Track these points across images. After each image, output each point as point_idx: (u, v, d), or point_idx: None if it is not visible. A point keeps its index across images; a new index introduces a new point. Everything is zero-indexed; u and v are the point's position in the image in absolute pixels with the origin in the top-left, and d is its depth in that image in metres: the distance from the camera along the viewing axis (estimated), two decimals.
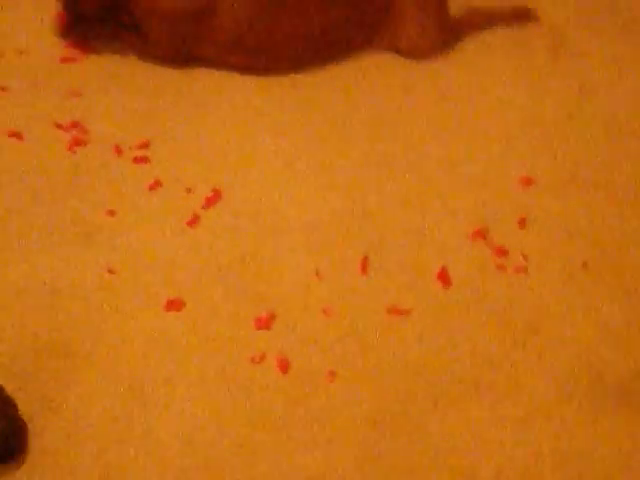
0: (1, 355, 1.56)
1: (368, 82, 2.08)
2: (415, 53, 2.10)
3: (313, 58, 2.06)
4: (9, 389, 1.48)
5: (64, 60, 2.10)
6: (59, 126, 1.97)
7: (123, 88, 2.04)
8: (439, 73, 2.10)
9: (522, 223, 1.81)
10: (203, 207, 1.82)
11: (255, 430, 1.48)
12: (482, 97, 2.07)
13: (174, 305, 1.65)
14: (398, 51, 2.11)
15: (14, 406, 1.45)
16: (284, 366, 1.56)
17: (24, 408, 1.47)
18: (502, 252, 1.75)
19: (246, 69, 2.08)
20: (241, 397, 1.52)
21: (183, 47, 2.04)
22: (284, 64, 2.08)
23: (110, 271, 1.71)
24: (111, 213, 1.81)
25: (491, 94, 2.09)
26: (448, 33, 2.13)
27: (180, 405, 1.51)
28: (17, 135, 1.95)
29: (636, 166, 1.94)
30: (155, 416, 1.49)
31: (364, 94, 2.06)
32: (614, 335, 1.64)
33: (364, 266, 1.72)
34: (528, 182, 1.89)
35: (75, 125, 1.96)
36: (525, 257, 1.75)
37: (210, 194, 1.84)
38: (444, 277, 1.70)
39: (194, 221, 1.79)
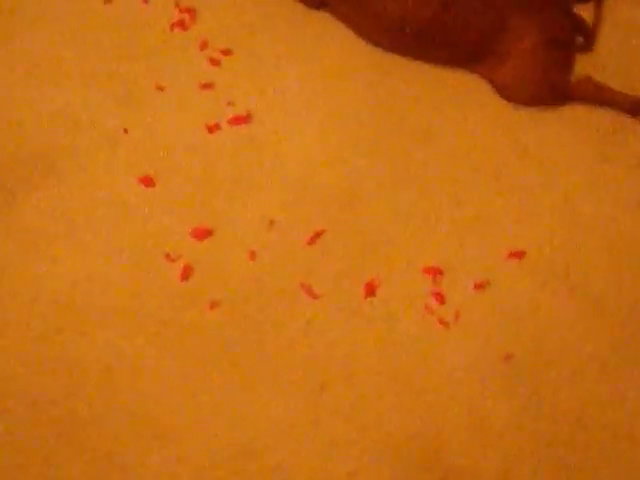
0: None
1: (437, 96, 2.07)
2: (507, 96, 2.04)
3: (405, 51, 2.08)
4: None
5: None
6: (176, 4, 2.17)
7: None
8: (516, 124, 2.04)
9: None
10: (229, 122, 1.95)
11: None
12: (546, 185, 1.98)
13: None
14: (492, 84, 2.06)
15: None
16: None
17: None
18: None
19: (363, 35, 2.13)
20: None
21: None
22: (374, 37, 2.09)
23: (125, 130, 1.92)
24: (158, 87, 2.00)
25: (558, 187, 1.95)
26: (553, 92, 2.05)
27: None
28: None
29: None
30: None
31: (421, 106, 2.06)
32: None
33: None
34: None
35: (189, 11, 2.16)
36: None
37: (243, 114, 1.97)
38: None
39: (213, 128, 1.94)
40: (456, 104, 2.01)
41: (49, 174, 1.85)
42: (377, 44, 2.10)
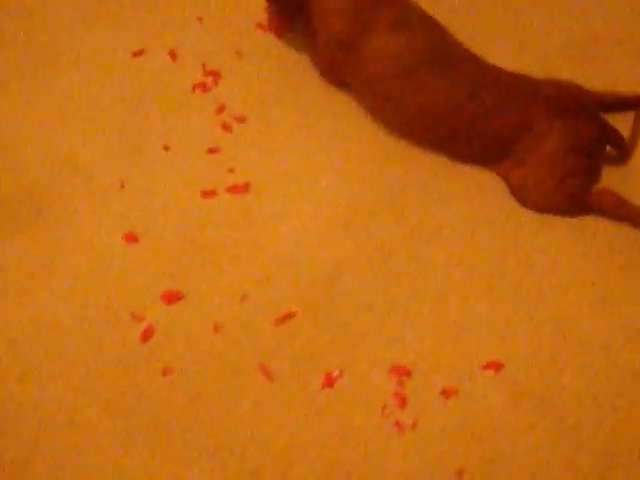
0: None
1: (445, 188, 1.98)
2: (521, 199, 1.95)
3: (428, 141, 2.01)
4: None
5: (260, 27, 2.30)
6: (203, 66, 2.18)
7: (275, 74, 2.20)
8: (522, 226, 1.94)
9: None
10: (227, 189, 1.93)
11: None
12: (542, 296, 1.86)
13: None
14: (507, 184, 1.98)
15: None
16: None
17: None
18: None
19: (364, 105, 2.09)
20: None
21: (335, 64, 2.10)
22: (397, 127, 2.05)
23: (121, 184, 1.93)
24: (165, 148, 2.00)
25: (554, 300, 1.82)
26: (570, 203, 1.94)
27: None
28: (174, 55, 2.21)
29: None
30: None
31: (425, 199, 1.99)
32: None
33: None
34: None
35: (214, 74, 2.16)
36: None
37: (241, 183, 1.94)
38: None
39: (208, 194, 1.92)
40: (463, 198, 1.93)
41: (37, 218, 1.86)
42: (394, 129, 2.06)
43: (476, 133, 1.95)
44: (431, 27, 2.03)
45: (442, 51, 1.98)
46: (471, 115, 1.93)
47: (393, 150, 2.01)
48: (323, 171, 1.96)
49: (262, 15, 2.30)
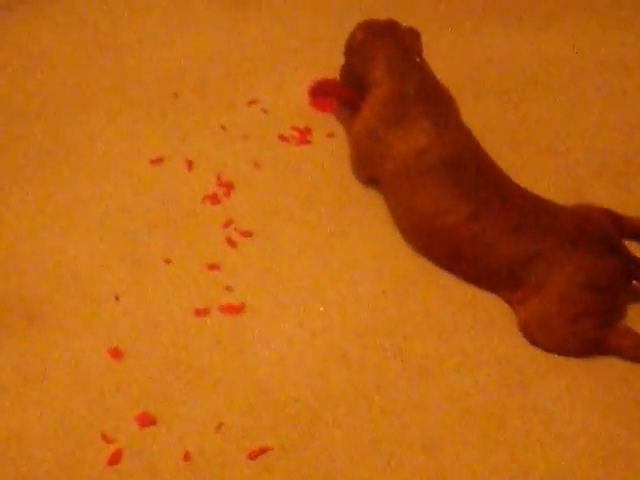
0: None
1: (451, 315, 1.86)
2: (529, 336, 1.81)
3: (431, 254, 1.92)
4: None
5: (281, 137, 2.27)
6: (218, 177, 2.16)
7: (295, 183, 2.15)
8: (529, 366, 1.79)
9: None
10: (221, 309, 1.87)
11: None
12: (544, 448, 1.72)
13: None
14: (517, 317, 1.85)
15: None
16: None
17: None
18: None
19: (388, 206, 2.02)
20: None
21: (364, 160, 2.05)
22: (405, 230, 1.97)
23: (116, 297, 1.89)
24: (166, 261, 1.97)
25: (558, 453, 1.66)
26: (582, 345, 1.79)
27: None
28: (190, 165, 2.20)
29: None
30: None
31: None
32: None
33: None
34: None
35: (227, 186, 2.13)
36: None
37: (237, 303, 1.88)
38: None
39: (201, 312, 1.86)
40: (469, 331, 1.82)
41: (28, 324, 1.83)
42: (408, 239, 1.97)
43: (481, 255, 1.83)
44: (460, 132, 1.96)
45: (462, 160, 1.90)
46: (473, 235, 1.83)
47: (399, 275, 1.93)
48: (323, 295, 1.89)
49: (285, 127, 2.28)
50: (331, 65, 2.35)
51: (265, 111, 2.35)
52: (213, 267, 1.94)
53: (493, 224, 1.82)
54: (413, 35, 2.13)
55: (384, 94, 2.02)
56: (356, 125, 2.07)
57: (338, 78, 2.23)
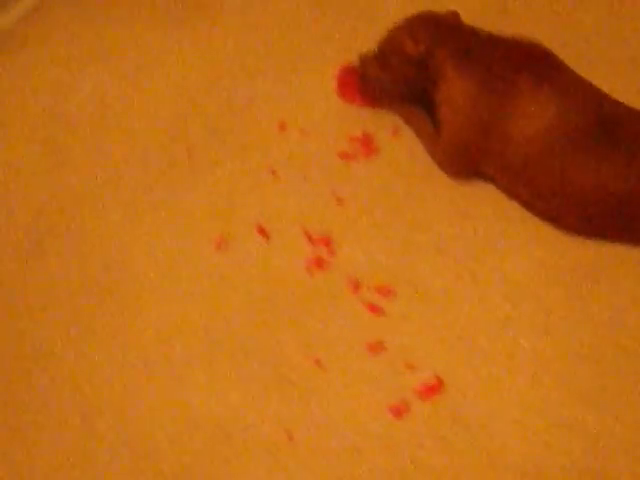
0: None
1: None
2: None
3: (604, 231, 1.62)
4: None
5: (342, 155, 1.88)
6: (308, 236, 1.76)
7: (392, 207, 1.77)
8: None
9: None
10: (418, 396, 1.52)
11: None
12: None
13: None
14: None
15: None
16: None
17: None
18: None
19: (529, 207, 1.70)
20: None
21: (469, 158, 1.72)
22: (569, 221, 1.66)
23: (289, 435, 1.51)
24: (319, 364, 1.58)
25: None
26: None
27: None
28: (264, 232, 1.79)
29: None
30: None
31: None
32: None
33: None
34: None
35: (325, 242, 1.74)
36: None
37: (431, 382, 1.53)
38: None
39: (401, 410, 1.51)
40: None
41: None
42: (567, 224, 1.66)
43: None
44: (585, 89, 1.63)
45: (607, 117, 1.58)
46: None
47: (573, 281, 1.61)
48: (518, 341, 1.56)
49: (340, 142, 1.88)
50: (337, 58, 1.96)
51: (304, 132, 1.94)
52: (376, 348, 1.58)
53: None
54: (456, 18, 1.79)
55: (469, 83, 1.66)
56: (451, 122, 1.70)
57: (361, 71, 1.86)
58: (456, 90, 1.68)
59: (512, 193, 1.71)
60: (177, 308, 1.72)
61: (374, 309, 1.63)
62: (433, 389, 1.51)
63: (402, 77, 1.79)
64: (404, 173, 1.81)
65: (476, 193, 1.75)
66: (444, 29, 1.73)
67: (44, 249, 1.89)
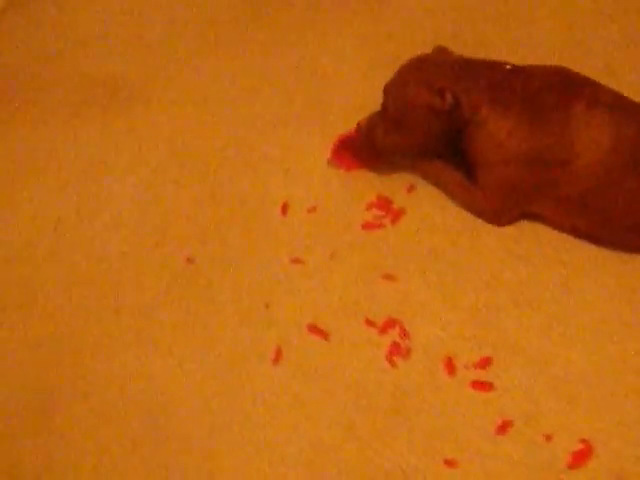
0: None
1: None
2: None
3: None
4: None
5: (367, 226, 1.71)
6: (370, 323, 1.58)
7: (446, 268, 1.63)
8: None
9: None
10: (569, 466, 1.39)
11: None
12: None
13: None
14: None
15: None
16: None
17: None
18: None
19: (587, 236, 1.63)
20: None
21: (518, 199, 1.62)
22: (630, 239, 1.61)
23: None
24: (450, 464, 1.41)
25: None
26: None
27: None
28: (320, 332, 1.58)
29: None
30: None
31: None
32: None
33: None
34: None
35: (392, 324, 1.57)
36: None
37: (578, 447, 1.41)
38: None
39: None
40: None
41: None
42: (627, 244, 1.60)
43: None
44: (628, 103, 1.58)
45: None
46: None
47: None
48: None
49: (357, 212, 1.71)
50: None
51: (312, 210, 1.74)
52: (504, 427, 1.44)
53: None
54: (446, 54, 1.70)
55: (511, 120, 1.57)
56: (497, 163, 1.59)
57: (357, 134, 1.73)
58: (497, 129, 1.57)
59: (566, 226, 1.63)
60: (262, 457, 1.47)
61: (481, 386, 1.48)
62: (584, 454, 1.39)
63: (425, 134, 1.65)
64: (441, 229, 1.68)
65: (525, 234, 1.66)
66: (458, 69, 1.62)
67: None
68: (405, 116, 1.63)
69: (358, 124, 1.71)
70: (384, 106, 1.67)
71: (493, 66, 1.64)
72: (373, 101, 1.74)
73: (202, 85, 2.02)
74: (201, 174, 1.84)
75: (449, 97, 1.58)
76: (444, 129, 1.62)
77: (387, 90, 1.67)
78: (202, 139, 1.91)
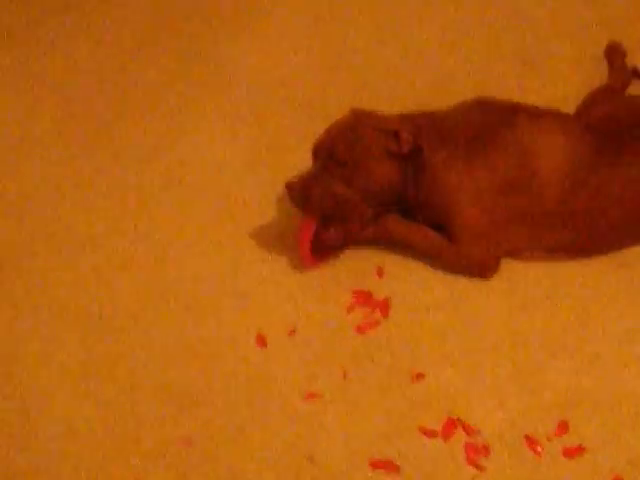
0: None
1: None
2: None
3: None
4: None
5: (362, 329, 1.50)
6: (430, 433, 1.39)
7: (464, 342, 1.49)
8: None
9: None
10: None
11: None
12: None
13: None
14: None
15: None
16: None
17: None
18: None
19: (577, 252, 1.59)
20: None
21: (498, 239, 1.54)
22: (603, 243, 1.60)
23: None
24: None
25: None
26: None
27: None
28: (389, 465, 1.36)
29: None
30: None
31: None
32: None
33: None
34: None
35: (453, 425, 1.39)
36: None
37: None
38: None
39: None
40: None
41: None
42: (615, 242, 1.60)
43: None
44: (552, 112, 1.60)
45: (604, 138, 1.56)
46: None
47: None
48: None
49: (346, 322, 1.50)
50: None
51: (292, 332, 1.48)
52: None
53: None
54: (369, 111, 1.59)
55: (467, 159, 1.50)
56: (468, 202, 1.50)
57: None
58: (453, 172, 1.51)
59: (558, 249, 1.57)
60: None
61: (574, 452, 1.37)
62: None
63: (381, 183, 1.50)
64: (436, 303, 1.53)
65: (519, 277, 1.57)
66: (397, 118, 1.53)
67: None
68: (359, 164, 1.48)
69: (288, 184, 1.50)
70: (322, 163, 1.50)
71: (424, 114, 1.57)
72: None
73: None
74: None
75: (408, 137, 1.47)
76: (399, 179, 1.50)
77: (330, 143, 1.50)
78: None
